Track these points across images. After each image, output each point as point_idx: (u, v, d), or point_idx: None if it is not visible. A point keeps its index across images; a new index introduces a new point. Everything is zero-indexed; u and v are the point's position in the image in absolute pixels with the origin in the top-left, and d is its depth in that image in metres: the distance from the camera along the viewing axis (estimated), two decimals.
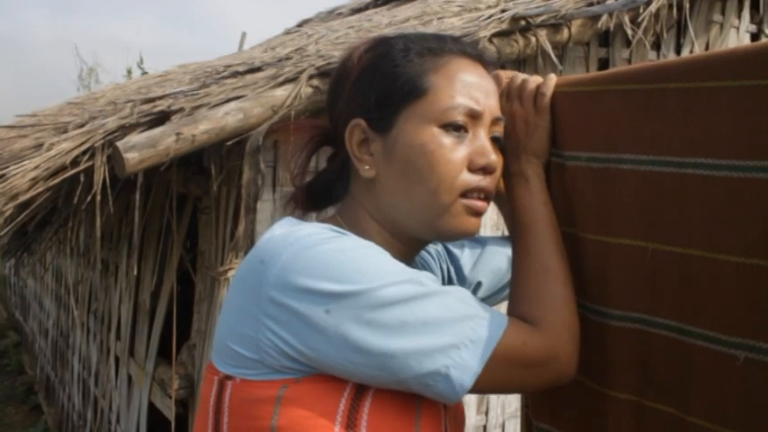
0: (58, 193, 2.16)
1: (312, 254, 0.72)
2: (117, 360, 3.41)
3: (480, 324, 0.74)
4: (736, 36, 3.44)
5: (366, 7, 6.28)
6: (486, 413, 2.87)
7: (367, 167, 0.83)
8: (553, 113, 0.89)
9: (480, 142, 0.82)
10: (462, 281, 1.07)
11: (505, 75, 0.94)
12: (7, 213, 2.05)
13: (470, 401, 2.84)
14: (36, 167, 2.14)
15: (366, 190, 0.86)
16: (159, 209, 2.78)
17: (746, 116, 0.69)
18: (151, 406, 2.93)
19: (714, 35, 3.33)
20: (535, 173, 0.89)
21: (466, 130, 0.81)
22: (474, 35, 2.17)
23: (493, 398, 2.87)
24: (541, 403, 0.96)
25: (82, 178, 2.06)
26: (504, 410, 2.92)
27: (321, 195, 0.92)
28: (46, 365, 5.25)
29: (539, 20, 2.35)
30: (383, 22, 2.88)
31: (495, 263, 1.10)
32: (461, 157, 0.80)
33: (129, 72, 11.39)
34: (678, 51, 3.17)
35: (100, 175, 2.02)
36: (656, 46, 3.06)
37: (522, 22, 2.34)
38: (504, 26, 2.30)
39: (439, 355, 0.71)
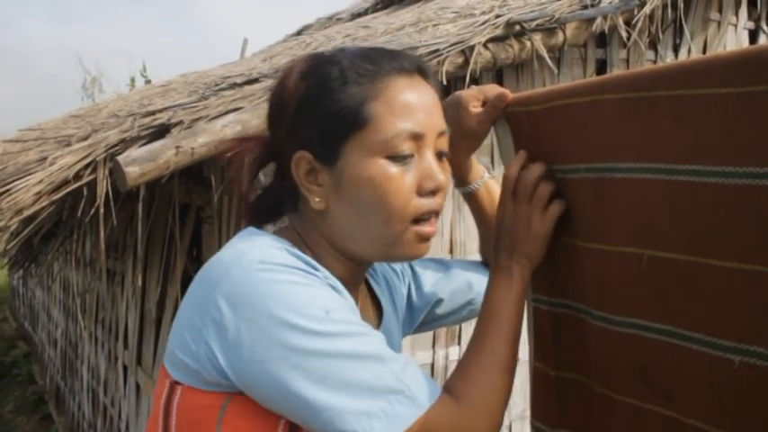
0: (63, 206, 2.19)
1: (260, 285, 0.73)
2: (125, 368, 3.44)
3: (401, 401, 0.73)
4: (734, 34, 3.43)
5: (366, 12, 6.31)
6: None
7: (317, 200, 0.83)
8: (553, 127, 0.89)
9: (427, 164, 0.82)
10: (422, 297, 1.10)
11: (516, 165, 0.93)
12: (13, 227, 2.08)
13: None
14: (40, 182, 2.18)
15: (318, 215, 0.85)
16: (163, 219, 2.81)
17: (735, 122, 0.69)
18: None
19: (712, 33, 3.32)
20: (521, 274, 0.90)
21: (412, 156, 0.81)
22: (468, 41, 2.19)
23: None
24: (540, 404, 0.98)
25: (85, 191, 2.09)
26: (511, 412, 2.93)
27: (271, 210, 0.92)
28: (55, 375, 5.28)
29: (533, 24, 2.37)
30: (379, 30, 2.90)
31: (456, 284, 1.13)
32: (410, 184, 0.81)
33: (133, 81, 11.44)
34: (676, 51, 3.18)
35: (102, 188, 2.05)
36: (654, 46, 3.06)
37: (517, 27, 2.36)
38: (499, 31, 2.31)
39: (351, 418, 0.71)
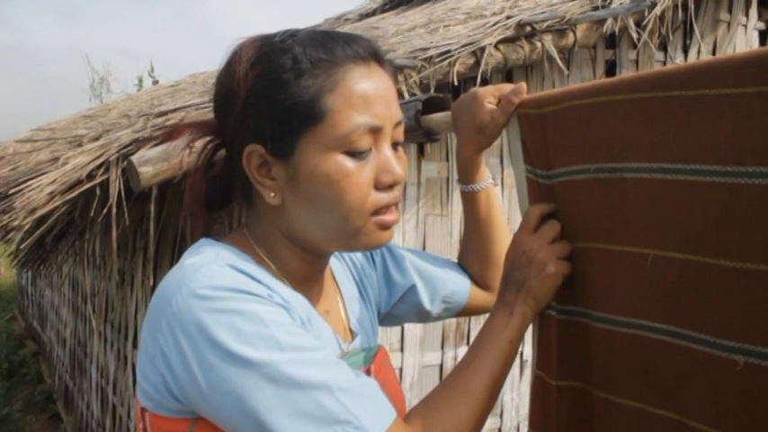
0: (74, 206, 2.21)
1: (201, 315, 0.70)
2: (134, 368, 3.46)
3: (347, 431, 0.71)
4: (744, 34, 3.42)
5: (374, 12, 6.31)
6: (501, 415, 2.89)
7: (272, 194, 0.80)
8: (564, 128, 0.89)
9: (384, 158, 0.80)
10: (401, 271, 1.08)
11: (545, 206, 0.91)
12: (27, 226, 2.10)
13: None
14: (53, 182, 2.19)
15: (274, 210, 0.83)
16: (174, 219, 2.82)
17: (748, 122, 0.69)
18: None
19: (722, 34, 3.32)
20: (523, 313, 0.87)
21: (369, 150, 0.79)
22: (479, 42, 2.20)
23: (507, 400, 2.89)
24: (538, 412, 0.96)
25: (98, 191, 2.11)
26: (519, 413, 2.93)
27: (221, 199, 0.88)
28: (64, 374, 5.31)
29: (544, 25, 2.37)
30: (389, 31, 2.90)
31: (435, 272, 1.11)
32: (368, 179, 0.79)
33: (141, 81, 11.47)
34: (685, 51, 3.17)
35: (115, 188, 2.06)
36: (663, 47, 3.06)
37: (528, 28, 2.36)
38: (510, 33, 2.32)
39: None
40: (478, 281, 1.16)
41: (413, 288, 1.08)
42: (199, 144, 0.86)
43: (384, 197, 0.80)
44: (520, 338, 0.87)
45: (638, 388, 0.83)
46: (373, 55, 0.81)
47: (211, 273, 0.73)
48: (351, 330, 0.94)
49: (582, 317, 0.91)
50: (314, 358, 0.72)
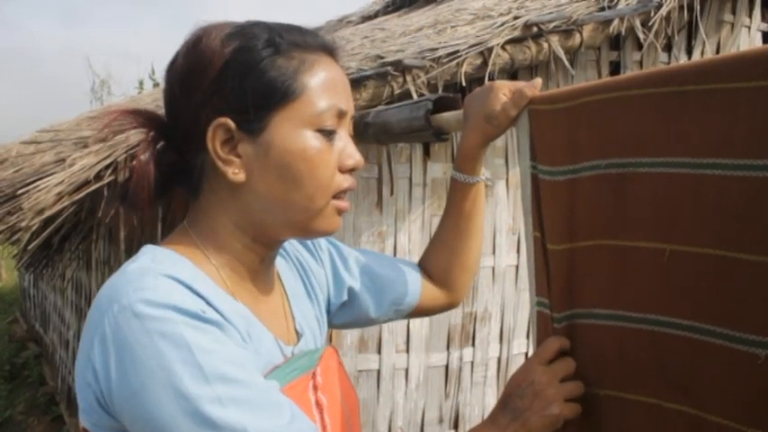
0: (81, 207, 2.21)
1: (131, 336, 0.68)
2: None
3: None
4: (748, 35, 3.43)
5: (376, 15, 6.33)
6: None
7: (236, 171, 0.78)
8: (575, 124, 0.89)
9: (346, 142, 0.83)
10: (348, 270, 1.07)
11: (563, 340, 0.91)
12: (34, 227, 2.10)
13: (492, 405, 2.86)
14: (60, 182, 2.20)
15: (229, 193, 0.81)
16: (181, 219, 2.83)
17: (764, 116, 0.70)
18: None
19: (725, 35, 3.33)
20: None
21: (335, 132, 0.81)
22: (487, 43, 2.20)
23: None
24: None
25: (105, 192, 2.11)
26: None
27: (162, 192, 0.84)
28: (67, 376, 5.30)
29: (551, 26, 2.37)
30: (397, 32, 2.91)
31: (385, 272, 1.10)
32: (334, 159, 0.81)
33: (141, 84, 11.49)
34: (689, 52, 3.18)
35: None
36: (668, 48, 3.06)
37: (535, 29, 2.37)
38: (517, 33, 2.32)
39: None
40: (439, 275, 1.15)
41: (360, 287, 1.07)
42: (137, 133, 0.84)
43: (345, 179, 0.82)
44: None
45: (654, 384, 0.83)
46: (336, 49, 0.85)
47: (144, 285, 0.70)
48: (296, 331, 0.92)
49: (584, 318, 0.90)
50: (239, 396, 0.69)
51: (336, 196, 0.82)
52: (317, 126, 0.79)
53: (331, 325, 1.07)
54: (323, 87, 0.80)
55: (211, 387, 0.67)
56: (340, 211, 0.84)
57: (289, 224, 0.82)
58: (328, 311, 1.05)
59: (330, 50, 0.83)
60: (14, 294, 8.97)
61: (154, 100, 4.48)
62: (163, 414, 0.66)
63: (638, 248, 0.83)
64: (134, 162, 0.83)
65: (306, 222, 0.82)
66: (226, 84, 0.77)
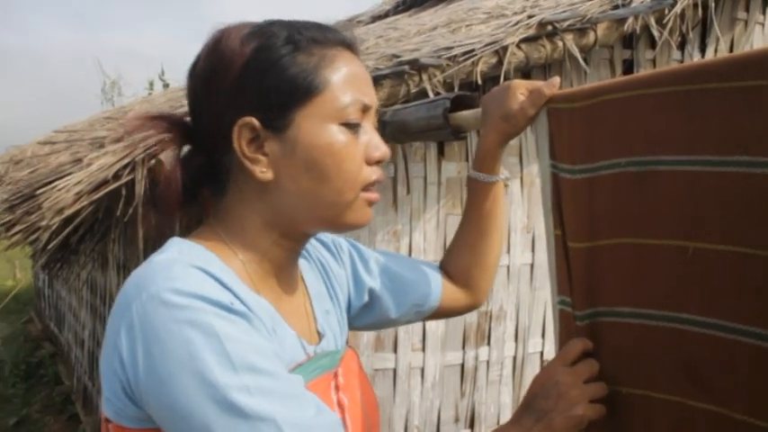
0: (99, 207, 2.23)
1: (159, 325, 0.68)
2: None
3: None
4: (762, 33, 3.41)
5: (386, 14, 6.33)
6: None
7: (264, 170, 0.79)
8: (595, 123, 0.89)
9: (371, 135, 0.83)
10: (369, 271, 1.07)
11: (586, 342, 0.90)
12: (54, 227, 2.12)
13: (508, 404, 2.86)
14: (79, 182, 2.22)
15: (257, 191, 0.81)
16: (197, 220, 2.85)
17: None
18: None
19: (739, 32, 3.31)
20: None
21: (360, 125, 0.82)
22: (502, 42, 2.20)
23: None
24: None
25: (123, 191, 2.13)
26: None
27: (190, 196, 0.85)
28: (83, 375, 5.33)
29: (565, 24, 2.37)
30: (411, 31, 2.92)
31: (407, 273, 1.10)
32: (360, 152, 0.81)
33: (152, 85, 11.53)
34: (703, 50, 3.17)
35: (141, 188, 2.08)
36: (681, 46, 3.05)
37: (549, 28, 2.37)
38: (532, 32, 2.33)
39: None
40: (460, 276, 1.15)
41: (380, 288, 1.07)
42: (159, 139, 0.83)
43: (373, 171, 0.83)
44: None
45: (677, 382, 0.83)
46: (356, 44, 0.85)
47: (173, 275, 0.70)
48: (318, 332, 0.92)
49: (606, 316, 0.90)
50: (266, 386, 0.69)
51: (366, 188, 0.83)
52: (341, 120, 0.80)
53: (352, 327, 1.07)
54: (345, 81, 0.80)
55: (239, 376, 0.67)
56: (370, 203, 0.85)
57: (319, 219, 0.83)
58: (349, 313, 1.05)
59: (350, 45, 0.84)
60: (29, 294, 9.03)
61: (168, 100, 4.50)
62: (190, 402, 0.66)
63: (660, 246, 0.83)
64: (155, 164, 0.84)
65: (336, 217, 0.82)
66: (248, 83, 0.78)
